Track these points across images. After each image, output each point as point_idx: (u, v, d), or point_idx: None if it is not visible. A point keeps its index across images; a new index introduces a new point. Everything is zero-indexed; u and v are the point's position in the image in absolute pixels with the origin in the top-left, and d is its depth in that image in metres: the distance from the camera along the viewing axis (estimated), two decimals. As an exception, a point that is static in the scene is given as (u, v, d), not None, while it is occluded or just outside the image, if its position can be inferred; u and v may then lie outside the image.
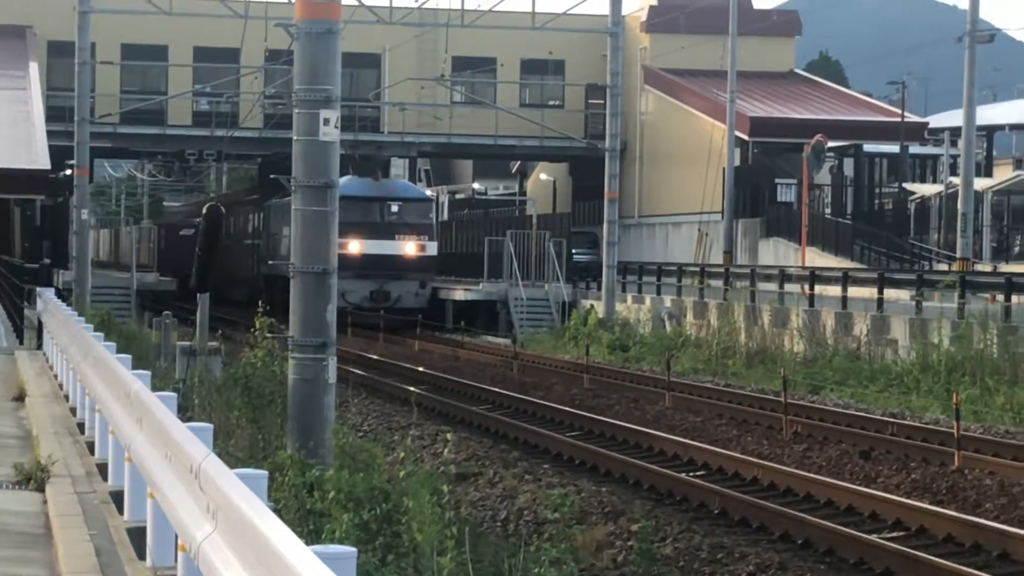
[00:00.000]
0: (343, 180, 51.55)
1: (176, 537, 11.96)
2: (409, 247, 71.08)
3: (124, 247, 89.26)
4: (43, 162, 58.53)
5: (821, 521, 21.92)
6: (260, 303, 35.37)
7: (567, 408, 36.17)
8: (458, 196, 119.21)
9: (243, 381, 24.91)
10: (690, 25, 75.97)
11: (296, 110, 21.40)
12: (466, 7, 66.78)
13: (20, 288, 47.94)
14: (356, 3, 58.29)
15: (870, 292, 49.11)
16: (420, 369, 49.45)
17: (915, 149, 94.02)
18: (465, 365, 53.58)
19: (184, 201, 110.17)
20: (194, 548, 10.66)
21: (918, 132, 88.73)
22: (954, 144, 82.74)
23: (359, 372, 46.31)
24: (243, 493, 9.54)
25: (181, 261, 69.28)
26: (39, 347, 38.92)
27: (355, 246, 66.94)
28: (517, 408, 37.52)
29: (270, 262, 78.50)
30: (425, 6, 68.16)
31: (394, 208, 71.60)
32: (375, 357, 56.33)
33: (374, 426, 32.88)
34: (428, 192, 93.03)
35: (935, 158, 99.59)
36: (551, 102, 78.82)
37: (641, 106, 78.50)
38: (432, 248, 72.33)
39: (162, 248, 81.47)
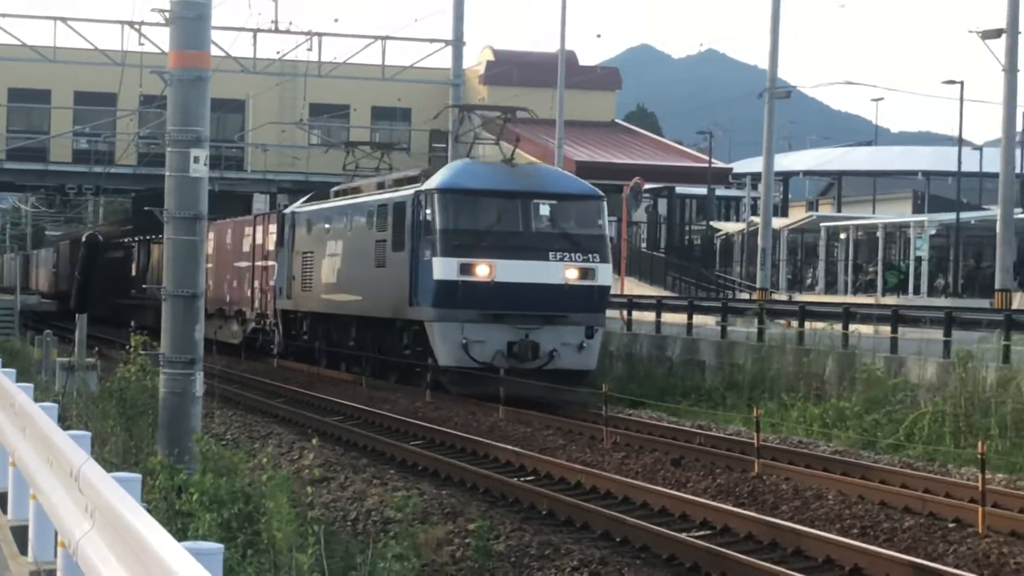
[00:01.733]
0: (458, 166, 43.43)
1: (56, 535, 11.86)
2: (570, 272, 38.82)
3: (9, 272, 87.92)
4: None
5: (637, 521, 22.11)
6: (132, 323, 35.59)
7: (410, 419, 36.10)
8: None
9: (118, 394, 24.84)
10: (522, 78, 76.39)
11: (168, 149, 21.26)
12: (323, 59, 66.79)
13: None
14: (223, 54, 57.76)
15: (681, 318, 49.41)
16: (279, 384, 48.12)
17: (721, 191, 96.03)
18: (320, 381, 51.13)
19: (63, 231, 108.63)
20: (73, 544, 10.59)
21: (723, 177, 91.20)
22: (755, 187, 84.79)
23: (222, 386, 44.13)
24: (119, 494, 9.50)
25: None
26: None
27: (482, 269, 38.01)
28: (366, 419, 37.54)
29: (143, 286, 73.17)
30: (285, 58, 67.84)
31: (544, 209, 39.66)
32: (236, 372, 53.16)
33: (236, 435, 32.60)
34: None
35: (738, 199, 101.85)
36: (399, 145, 78.93)
37: (479, 150, 78.72)
38: (606, 274, 40.37)
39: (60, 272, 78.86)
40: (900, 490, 25.18)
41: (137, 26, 59.66)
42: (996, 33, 41.45)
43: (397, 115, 79.45)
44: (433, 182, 40.36)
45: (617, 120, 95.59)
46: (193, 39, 21.14)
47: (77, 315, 41.77)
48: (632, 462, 29.27)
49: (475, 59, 78.46)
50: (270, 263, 54.91)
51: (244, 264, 59.32)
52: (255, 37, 61.57)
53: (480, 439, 32.33)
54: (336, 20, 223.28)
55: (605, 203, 40.53)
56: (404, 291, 40.92)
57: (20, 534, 14.64)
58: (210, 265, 61.15)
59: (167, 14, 21.59)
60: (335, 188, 53.77)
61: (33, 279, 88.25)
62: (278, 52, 64.90)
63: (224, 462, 18.81)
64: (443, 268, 38.65)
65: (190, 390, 20.86)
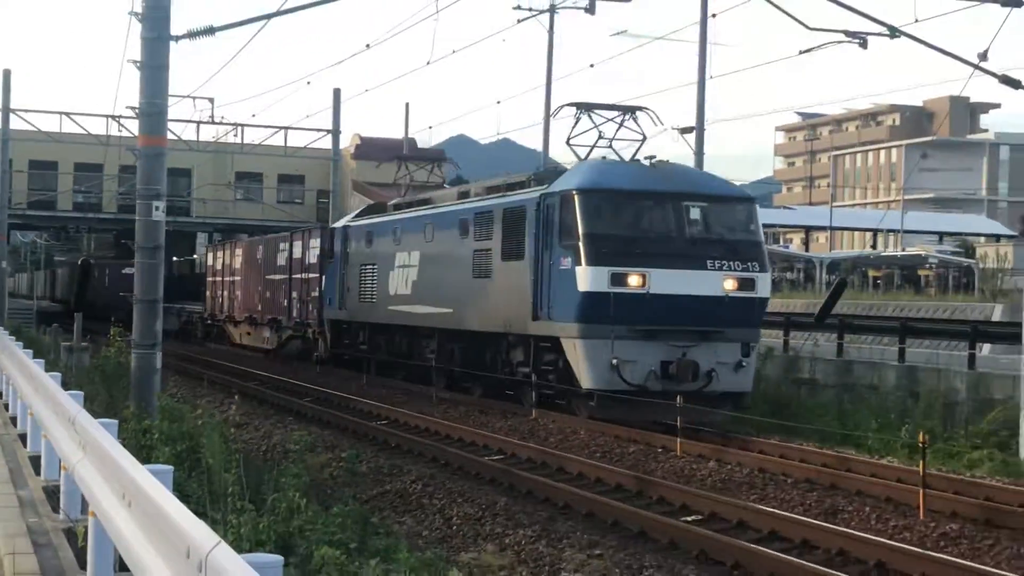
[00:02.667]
0: (596, 164, 28.43)
1: (59, 462, 11.92)
2: (729, 283, 26.13)
3: (28, 285, 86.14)
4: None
5: (455, 450, 22.21)
6: (112, 318, 34.85)
7: (305, 384, 35.01)
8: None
9: (101, 367, 25.33)
10: (381, 155, 75.84)
11: (138, 200, 21.15)
12: (244, 141, 68.27)
13: None
14: (176, 137, 57.68)
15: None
16: (210, 360, 46.27)
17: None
18: (243, 356, 49.71)
19: (66, 257, 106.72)
20: (71, 467, 10.68)
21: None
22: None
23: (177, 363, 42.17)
24: (102, 434, 9.62)
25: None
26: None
27: (635, 280, 25.58)
28: (273, 384, 36.19)
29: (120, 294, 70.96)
30: (219, 140, 68.99)
31: (696, 212, 27.20)
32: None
33: (185, 395, 32.23)
34: None
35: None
36: (296, 200, 78.88)
37: (351, 204, 77.98)
38: (765, 285, 27.27)
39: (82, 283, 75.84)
40: None
41: (118, 118, 60.21)
42: (690, 129, 39.67)
43: (295, 180, 79.16)
44: (570, 182, 26.68)
45: (445, 186, 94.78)
46: (155, 128, 21.05)
47: (75, 313, 41.43)
48: (452, 411, 28.35)
49: (347, 142, 77.48)
50: (312, 275, 41.49)
51: (279, 277, 45.58)
52: (198, 127, 62.60)
53: (350, 396, 31.10)
54: (253, 115, 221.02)
55: (757, 206, 28.15)
56: (522, 304, 26.92)
57: (35, 462, 14.67)
58: (237, 278, 52.30)
59: (137, 111, 21.54)
60: (393, 202, 38.62)
61: (44, 290, 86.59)
62: (214, 136, 66.27)
63: (176, 413, 18.91)
64: (592, 278, 25.27)
65: (152, 363, 20.86)
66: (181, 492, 10.61)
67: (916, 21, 24.29)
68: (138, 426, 16.22)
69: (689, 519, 16.13)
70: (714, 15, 36.73)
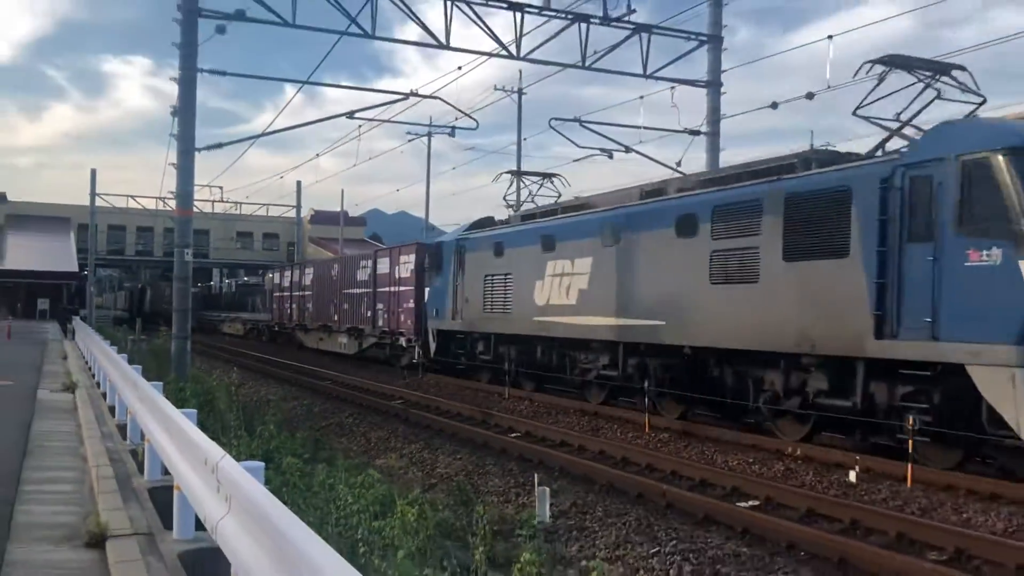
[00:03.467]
0: (1002, 123, 11.34)
1: (127, 409, 11.74)
2: None
3: (108, 301, 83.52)
4: (74, 268, 56.18)
5: (371, 398, 21.35)
6: (160, 322, 34.01)
7: (283, 360, 33.58)
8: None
9: (153, 350, 24.76)
10: (329, 221, 74.77)
11: (175, 248, 20.89)
12: (242, 212, 69.07)
13: (67, 316, 46.33)
14: (199, 210, 56.76)
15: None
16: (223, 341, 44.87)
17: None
18: (243, 340, 48.19)
19: (130, 284, 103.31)
20: (135, 411, 10.55)
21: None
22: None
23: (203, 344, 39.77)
24: (153, 392, 9.55)
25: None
26: (72, 339, 36.52)
27: None
28: (256, 358, 34.76)
29: (164, 306, 68.78)
30: (227, 212, 68.31)
31: None
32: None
33: (205, 367, 31.42)
34: None
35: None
36: (274, 249, 78.70)
37: (308, 252, 76.32)
38: None
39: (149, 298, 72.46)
40: None
41: (163, 199, 59.80)
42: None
43: (273, 236, 79.41)
44: (982, 142, 10.67)
45: (365, 238, 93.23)
46: (185, 204, 20.73)
47: (136, 318, 40.47)
48: (370, 369, 27.22)
49: (306, 212, 76.41)
50: (404, 288, 29.95)
51: (359, 291, 34.37)
52: (212, 204, 61.38)
53: (300, 365, 29.77)
54: (247, 196, 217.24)
55: None
56: (846, 315, 12.01)
57: (112, 411, 14.36)
58: (308, 292, 41.22)
59: (174, 194, 21.22)
60: (519, 212, 23.35)
61: (118, 303, 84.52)
62: (223, 209, 65.91)
63: (200, 378, 18.66)
64: None
65: (186, 347, 20.63)
66: (202, 426, 10.63)
67: (640, 142, 25.00)
68: (176, 387, 16.01)
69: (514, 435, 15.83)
70: (525, 139, 36.87)
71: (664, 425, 15.98)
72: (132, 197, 63.33)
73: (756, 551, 8.71)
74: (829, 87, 18.99)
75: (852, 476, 11.27)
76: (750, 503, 10.37)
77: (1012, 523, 9.34)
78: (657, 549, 8.87)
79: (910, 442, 11.04)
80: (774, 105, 21.42)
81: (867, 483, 11.16)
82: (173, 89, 20.28)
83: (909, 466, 11.08)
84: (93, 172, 52.82)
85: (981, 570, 7.99)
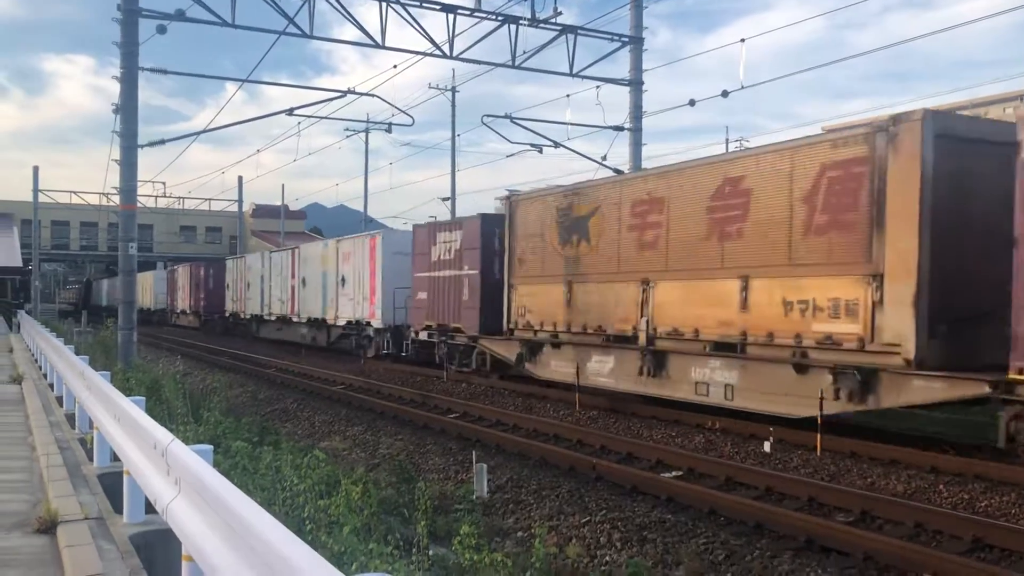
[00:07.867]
0: None
1: (75, 398, 11.49)
2: None
3: (54, 295, 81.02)
4: (19, 263, 54.42)
5: (316, 383, 21.29)
6: (106, 315, 33.37)
7: (233, 350, 32.72)
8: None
9: (100, 342, 24.12)
10: (270, 215, 73.30)
11: (119, 242, 20.39)
12: (185, 207, 67.01)
13: (11, 309, 45.04)
14: (142, 205, 55.38)
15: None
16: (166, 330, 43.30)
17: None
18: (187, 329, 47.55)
19: (75, 279, 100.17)
20: (82, 401, 10.34)
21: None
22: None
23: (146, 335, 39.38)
24: (101, 380, 9.36)
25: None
26: (18, 332, 35.38)
27: None
28: (203, 347, 33.73)
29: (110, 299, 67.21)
30: (170, 207, 66.81)
31: None
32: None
33: (151, 357, 30.81)
34: None
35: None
36: (217, 242, 76.91)
37: (250, 245, 75.02)
38: None
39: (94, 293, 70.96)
40: None
41: (106, 194, 58.72)
42: (447, 199, 38.81)
43: (215, 230, 77.29)
44: None
45: (306, 231, 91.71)
46: (129, 199, 20.26)
47: (82, 311, 39.49)
48: (332, 361, 26.87)
49: (247, 206, 74.92)
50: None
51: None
52: (156, 200, 60.59)
53: (256, 356, 29.41)
54: (190, 191, 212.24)
55: None
56: None
57: (59, 400, 14.05)
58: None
59: (118, 189, 20.69)
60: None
61: (64, 297, 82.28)
62: (166, 204, 64.41)
63: (146, 367, 18.29)
64: None
65: (131, 338, 20.16)
66: (150, 413, 10.46)
67: (568, 139, 25.25)
68: (123, 375, 15.69)
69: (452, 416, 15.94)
70: (459, 135, 36.80)
71: (593, 404, 16.19)
72: (76, 193, 61.28)
73: (680, 518, 8.93)
74: (743, 87, 19.38)
75: (767, 446, 11.73)
76: (674, 473, 10.66)
77: (911, 486, 9.78)
78: (588, 518, 9.06)
79: (818, 414, 11.23)
80: (692, 103, 21.75)
81: (781, 453, 11.57)
82: (116, 87, 19.77)
83: (818, 436, 11.48)
84: (35, 169, 51.87)
85: (884, 528, 8.38)
